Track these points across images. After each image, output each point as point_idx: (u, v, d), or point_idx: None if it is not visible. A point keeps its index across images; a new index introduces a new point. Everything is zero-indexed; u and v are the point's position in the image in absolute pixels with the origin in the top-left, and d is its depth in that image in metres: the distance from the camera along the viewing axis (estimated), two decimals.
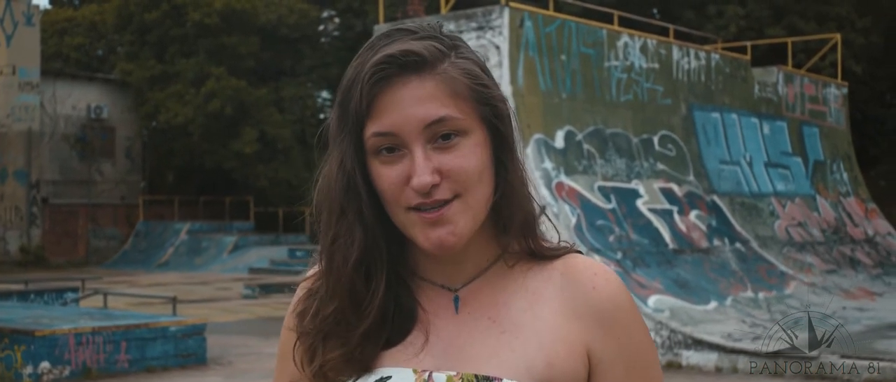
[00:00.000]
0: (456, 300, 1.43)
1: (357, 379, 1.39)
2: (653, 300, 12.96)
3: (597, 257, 13.19)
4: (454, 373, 1.36)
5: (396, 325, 1.40)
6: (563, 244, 1.47)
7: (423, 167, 1.33)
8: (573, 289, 1.41)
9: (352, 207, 1.38)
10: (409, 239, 1.40)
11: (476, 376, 1.36)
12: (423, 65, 1.36)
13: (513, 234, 1.42)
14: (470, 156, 1.36)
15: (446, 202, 1.34)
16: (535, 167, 13.81)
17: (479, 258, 1.44)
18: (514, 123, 1.44)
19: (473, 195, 1.36)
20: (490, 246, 1.44)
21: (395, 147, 1.35)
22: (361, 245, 1.38)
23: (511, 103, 1.45)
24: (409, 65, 1.35)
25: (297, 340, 1.44)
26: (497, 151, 1.40)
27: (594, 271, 1.42)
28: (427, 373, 1.37)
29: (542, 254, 1.44)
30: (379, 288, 1.39)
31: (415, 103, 1.35)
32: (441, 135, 1.35)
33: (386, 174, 1.36)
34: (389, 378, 1.37)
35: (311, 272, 1.48)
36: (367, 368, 1.39)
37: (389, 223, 1.39)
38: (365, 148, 1.37)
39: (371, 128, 1.36)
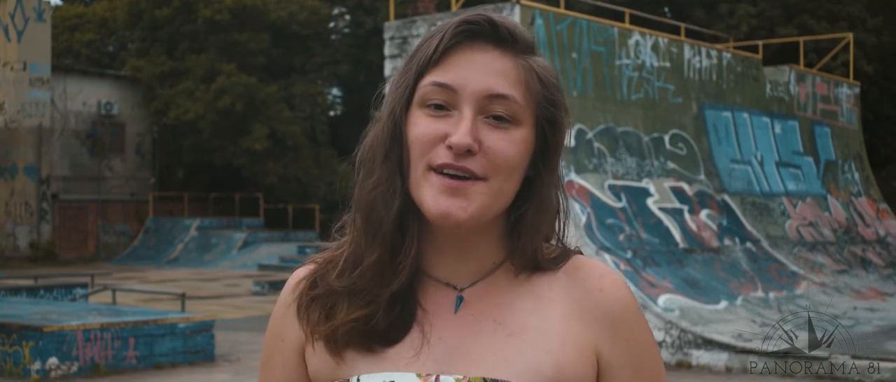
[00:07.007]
0: (459, 299, 1.38)
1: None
2: (663, 299, 12.91)
3: (607, 256, 13.14)
4: (461, 377, 1.32)
5: (397, 321, 1.35)
6: (567, 247, 1.43)
7: (467, 128, 1.30)
8: (580, 292, 1.38)
9: (395, 154, 1.34)
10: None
11: (484, 379, 1.31)
12: (512, 44, 1.35)
13: (524, 245, 1.37)
14: (514, 145, 1.32)
15: (472, 177, 1.30)
16: None
17: (484, 258, 1.39)
18: (566, 142, 1.41)
19: (499, 185, 1.32)
20: (497, 248, 1.39)
21: (444, 105, 1.32)
22: (402, 193, 1.34)
23: None
24: (498, 37, 1.35)
25: (314, 299, 1.38)
26: (537, 158, 1.36)
27: (600, 273, 1.39)
28: (433, 377, 1.32)
29: (545, 267, 1.40)
30: (412, 244, 1.35)
31: (486, 71, 1.33)
32: (494, 114, 1.32)
33: (424, 124, 1.32)
34: None
35: (309, 260, 1.44)
36: (371, 350, 1.34)
37: None
38: (414, 98, 1.34)
39: (431, 77, 1.33)
